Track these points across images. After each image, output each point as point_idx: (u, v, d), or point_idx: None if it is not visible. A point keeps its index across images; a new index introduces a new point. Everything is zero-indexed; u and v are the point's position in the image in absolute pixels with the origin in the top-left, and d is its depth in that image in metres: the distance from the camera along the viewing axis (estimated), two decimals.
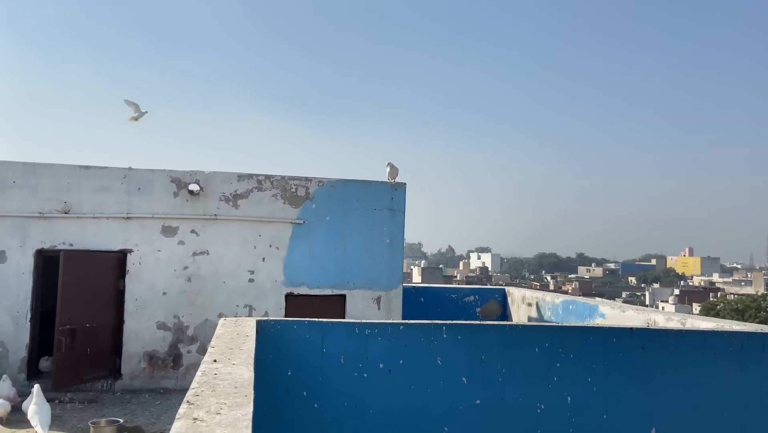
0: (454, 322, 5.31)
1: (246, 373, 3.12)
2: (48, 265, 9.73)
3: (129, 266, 9.74)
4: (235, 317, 9.77)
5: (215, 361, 3.45)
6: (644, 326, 7.70)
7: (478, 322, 5.71)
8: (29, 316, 9.34)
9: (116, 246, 9.72)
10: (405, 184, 10.83)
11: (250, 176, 10.24)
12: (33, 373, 9.28)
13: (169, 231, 9.91)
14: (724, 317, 43.14)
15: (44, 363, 9.50)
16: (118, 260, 9.72)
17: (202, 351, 9.73)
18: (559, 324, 6.00)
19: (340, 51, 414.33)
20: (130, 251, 9.76)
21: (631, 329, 5.57)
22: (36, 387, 7.08)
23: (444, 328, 5.22)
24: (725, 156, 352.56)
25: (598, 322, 9.20)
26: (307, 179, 10.43)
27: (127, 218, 9.75)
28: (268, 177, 10.29)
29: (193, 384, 2.85)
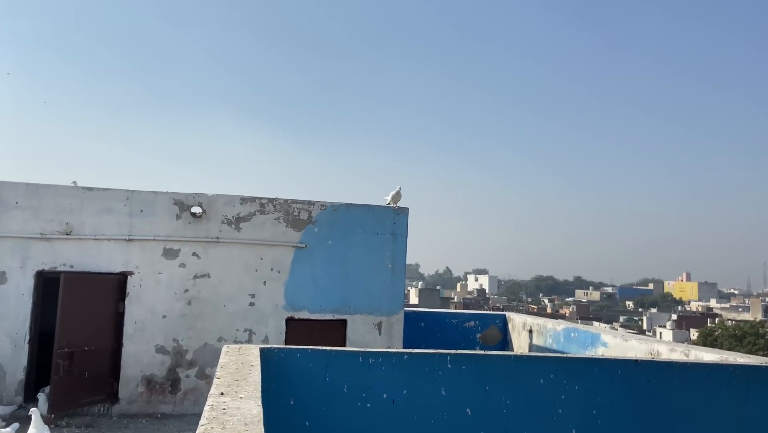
0: (459, 352, 5.27)
1: (255, 408, 3.08)
2: (48, 286, 9.68)
3: (129, 288, 9.70)
4: (235, 341, 9.75)
5: (222, 394, 3.41)
6: (647, 356, 7.67)
7: (482, 352, 5.66)
8: (28, 338, 9.26)
9: (117, 268, 9.68)
10: (407, 209, 10.84)
11: (252, 199, 10.25)
12: (30, 396, 9.17)
13: (170, 253, 9.88)
14: (722, 344, 42.97)
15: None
16: (119, 282, 9.67)
17: (201, 376, 9.65)
18: (564, 355, 5.96)
19: (337, 72, 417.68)
20: (131, 273, 9.72)
21: (636, 360, 5.54)
22: (34, 411, 6.97)
23: (448, 358, 5.18)
24: (723, 181, 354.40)
25: (601, 351, 9.15)
26: (310, 203, 10.44)
27: (129, 239, 9.73)
28: (270, 200, 10.30)
29: (202, 420, 2.81)
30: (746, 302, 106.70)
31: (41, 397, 8.78)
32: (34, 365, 9.38)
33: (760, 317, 69.53)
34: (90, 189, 9.75)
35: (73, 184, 9.78)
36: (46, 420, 8.62)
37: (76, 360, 8.85)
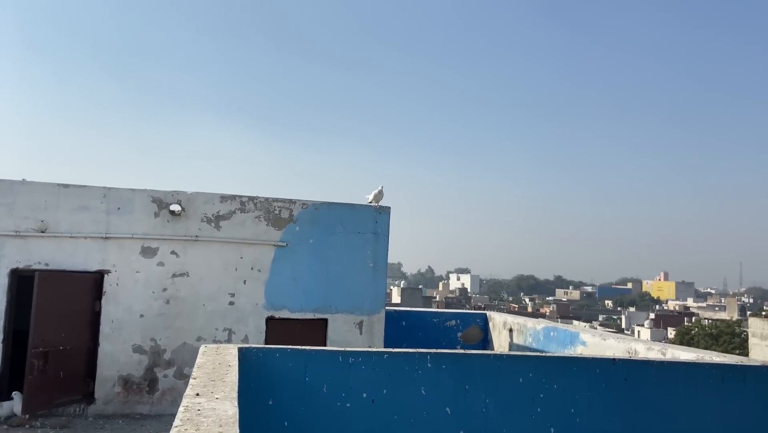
0: (439, 351, 5.27)
1: (230, 409, 3.04)
2: (23, 284, 9.49)
3: (106, 287, 9.54)
4: (214, 340, 9.65)
5: (198, 395, 3.36)
6: (625, 355, 7.74)
7: (462, 351, 5.66)
8: (2, 337, 9.06)
9: (93, 266, 9.52)
10: (389, 208, 10.82)
11: (233, 197, 10.14)
12: (5, 396, 8.98)
13: (148, 252, 9.75)
14: (698, 342, 43.62)
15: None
16: (95, 281, 9.51)
17: (179, 376, 9.53)
18: (543, 354, 5.99)
19: (318, 70, 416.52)
20: (108, 271, 9.56)
21: (613, 359, 5.59)
22: None
23: (428, 357, 5.18)
24: (701, 183, 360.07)
25: (579, 350, 9.22)
26: (291, 201, 10.36)
27: (106, 237, 9.57)
28: (251, 198, 10.20)
29: (176, 422, 2.76)
30: (722, 301, 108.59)
31: (16, 397, 8.60)
32: (8, 365, 9.19)
33: (736, 316, 70.75)
34: (66, 186, 9.57)
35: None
36: (20, 420, 8.47)
37: (51, 360, 8.69)
